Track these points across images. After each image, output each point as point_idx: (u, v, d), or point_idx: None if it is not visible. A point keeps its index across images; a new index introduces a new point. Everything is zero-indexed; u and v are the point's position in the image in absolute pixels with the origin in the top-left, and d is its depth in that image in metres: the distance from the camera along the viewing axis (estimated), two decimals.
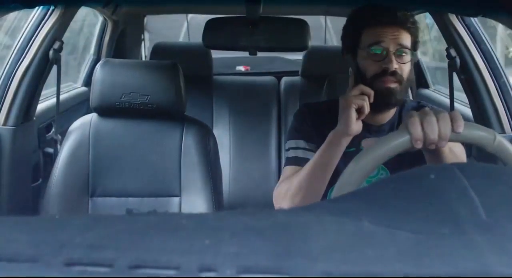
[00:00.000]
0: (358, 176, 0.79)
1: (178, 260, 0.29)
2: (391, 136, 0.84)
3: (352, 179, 0.79)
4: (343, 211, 0.37)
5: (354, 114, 1.12)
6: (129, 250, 0.30)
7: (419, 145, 0.83)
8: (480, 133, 0.83)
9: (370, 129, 1.25)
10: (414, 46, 1.22)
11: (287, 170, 1.27)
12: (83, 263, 0.29)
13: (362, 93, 1.14)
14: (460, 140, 0.85)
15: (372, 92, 1.14)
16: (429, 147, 0.85)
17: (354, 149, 1.23)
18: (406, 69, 1.19)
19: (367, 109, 1.13)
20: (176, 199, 1.56)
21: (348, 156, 1.20)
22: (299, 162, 1.25)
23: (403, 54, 1.18)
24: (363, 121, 1.18)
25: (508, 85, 1.67)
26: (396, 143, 0.82)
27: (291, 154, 1.28)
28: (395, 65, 1.16)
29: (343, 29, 1.28)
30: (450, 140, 0.85)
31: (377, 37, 1.18)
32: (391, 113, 1.27)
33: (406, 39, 1.18)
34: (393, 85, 1.17)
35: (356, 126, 1.13)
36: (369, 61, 1.19)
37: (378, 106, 1.20)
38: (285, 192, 1.19)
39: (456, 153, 1.01)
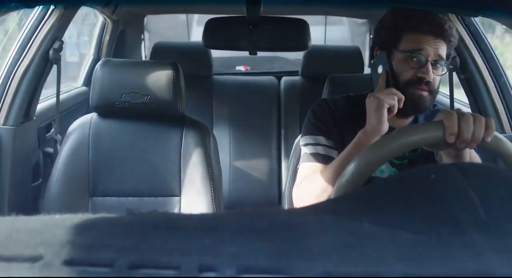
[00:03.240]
0: (384, 156, 0.79)
1: (178, 260, 0.29)
2: (425, 125, 0.84)
3: (377, 157, 0.79)
4: (343, 211, 0.37)
5: (386, 115, 1.11)
6: (129, 250, 0.30)
7: (452, 140, 0.82)
8: (508, 146, 0.84)
9: (388, 131, 1.23)
10: (447, 58, 1.20)
11: (306, 166, 1.23)
12: (83, 263, 0.29)
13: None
14: (487, 146, 0.86)
15: (403, 98, 1.12)
16: (460, 145, 0.84)
17: None
18: (437, 81, 1.19)
19: (396, 108, 1.12)
20: (176, 199, 1.56)
21: None
22: (320, 159, 1.21)
23: (439, 65, 1.17)
24: (402, 110, 1.16)
25: (508, 85, 1.67)
26: (429, 133, 0.81)
27: (310, 149, 1.24)
28: (431, 75, 1.15)
29: (380, 24, 1.24)
30: (480, 145, 0.85)
31: (419, 44, 1.15)
32: (411, 117, 1.27)
33: (444, 50, 1.17)
34: (425, 94, 1.16)
35: (386, 125, 1.12)
36: (406, 66, 1.17)
37: (406, 112, 1.19)
38: (309, 192, 1.17)
39: (473, 158, 1.00)
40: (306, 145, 1.25)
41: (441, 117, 0.84)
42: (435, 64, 1.16)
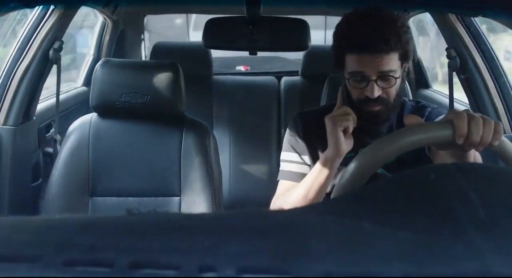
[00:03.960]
0: (390, 153, 0.78)
1: (178, 260, 0.29)
2: (435, 125, 0.83)
3: (385, 152, 0.78)
4: (343, 211, 0.37)
5: (342, 137, 1.11)
6: (129, 250, 0.30)
7: (461, 141, 0.82)
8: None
9: (368, 133, 1.23)
10: (405, 57, 1.16)
11: (282, 184, 1.28)
12: (83, 263, 0.29)
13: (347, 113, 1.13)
14: (493, 149, 0.85)
15: (355, 117, 1.12)
16: (467, 147, 0.84)
17: (353, 154, 1.23)
18: (392, 91, 1.16)
19: (351, 127, 1.12)
20: (176, 199, 1.56)
21: (348, 161, 1.20)
22: (293, 176, 1.25)
23: (389, 78, 1.14)
24: (361, 126, 1.17)
25: (508, 85, 1.67)
26: (439, 132, 0.81)
27: (285, 167, 1.28)
28: (376, 94, 1.14)
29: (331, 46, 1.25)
30: (487, 148, 0.85)
31: (357, 66, 1.14)
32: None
33: (390, 62, 1.13)
34: (377, 108, 1.16)
35: (346, 145, 1.13)
36: (353, 87, 1.18)
37: (365, 128, 1.20)
38: None
39: (477, 160, 1.00)
40: (282, 161, 1.29)
41: (451, 117, 0.83)
42: (383, 77, 1.14)
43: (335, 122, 1.11)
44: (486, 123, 0.84)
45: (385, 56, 1.12)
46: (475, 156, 0.96)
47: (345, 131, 1.12)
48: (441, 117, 1.21)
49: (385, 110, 1.17)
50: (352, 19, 1.16)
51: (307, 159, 1.26)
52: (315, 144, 1.22)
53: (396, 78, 1.15)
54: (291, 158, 1.28)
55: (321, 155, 1.16)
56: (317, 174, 1.16)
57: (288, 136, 1.31)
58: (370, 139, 1.23)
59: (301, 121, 1.31)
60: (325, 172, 1.14)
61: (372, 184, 0.45)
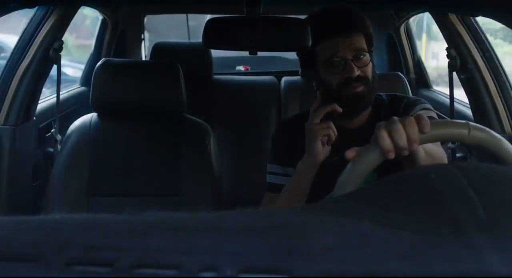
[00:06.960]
0: (351, 186, 0.79)
1: (178, 259, 0.29)
2: (364, 152, 0.83)
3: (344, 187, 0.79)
4: (343, 211, 0.37)
5: (320, 146, 1.12)
6: (129, 250, 0.30)
7: (391, 156, 0.81)
8: (450, 128, 0.81)
9: (350, 134, 1.22)
10: (370, 42, 1.22)
11: (266, 196, 1.29)
12: (83, 263, 0.29)
13: (328, 113, 1.13)
14: (432, 139, 0.83)
15: (335, 106, 1.13)
16: (403, 153, 0.83)
17: (336, 158, 1.23)
18: (368, 69, 1.20)
19: (334, 135, 1.12)
20: (176, 199, 1.56)
21: (332, 166, 1.20)
22: (276, 188, 1.25)
23: (362, 57, 1.18)
24: (340, 127, 1.17)
25: (508, 85, 1.67)
26: (370, 158, 0.81)
27: (270, 178, 1.29)
28: (356, 72, 1.16)
29: None
30: (423, 142, 0.82)
31: (332, 49, 1.18)
32: (366, 113, 1.26)
33: (360, 41, 1.18)
34: (360, 89, 1.18)
35: (323, 153, 1.13)
36: (331, 73, 1.19)
37: (350, 111, 1.20)
38: None
39: (433, 155, 0.98)
40: (267, 172, 1.31)
41: (374, 136, 0.82)
42: (357, 57, 1.17)
43: (316, 131, 1.11)
44: (405, 123, 0.81)
45: (355, 36, 1.18)
46: (427, 151, 0.92)
47: (328, 141, 1.12)
48: (419, 106, 1.22)
49: (367, 90, 1.19)
50: (318, 13, 1.24)
51: (290, 170, 1.25)
52: (299, 152, 1.21)
53: (369, 50, 1.20)
54: (273, 170, 1.29)
55: (299, 163, 1.17)
56: (294, 181, 1.17)
57: (271, 147, 1.33)
58: (350, 140, 1.22)
59: (283, 131, 1.32)
60: (301, 178, 1.16)
61: (372, 184, 0.45)
